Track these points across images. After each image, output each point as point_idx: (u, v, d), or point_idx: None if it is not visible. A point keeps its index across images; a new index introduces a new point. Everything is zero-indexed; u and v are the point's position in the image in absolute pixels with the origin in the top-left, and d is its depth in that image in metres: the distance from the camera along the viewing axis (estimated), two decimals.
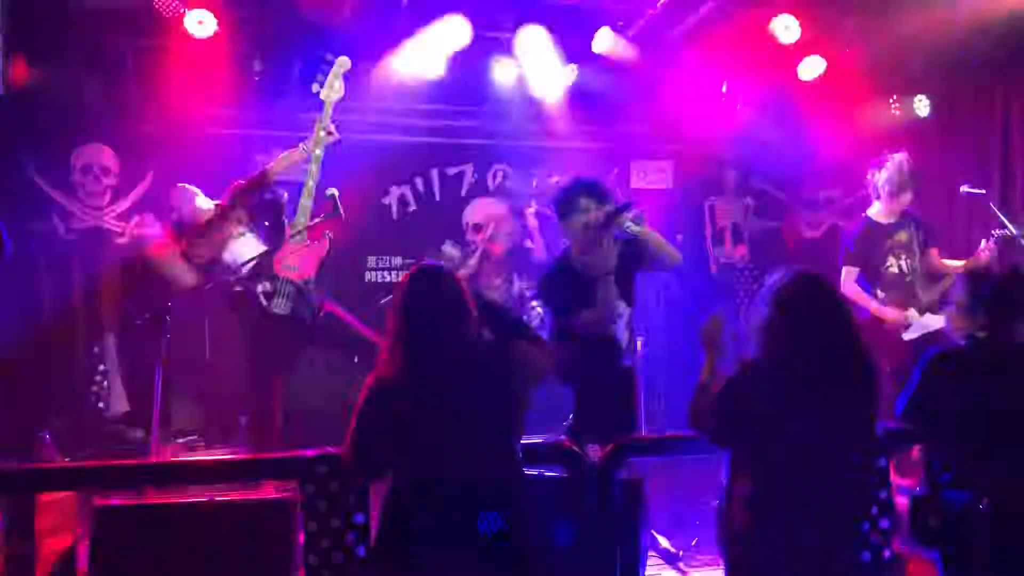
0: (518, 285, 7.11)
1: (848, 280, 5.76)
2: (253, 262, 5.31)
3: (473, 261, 6.82)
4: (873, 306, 5.69)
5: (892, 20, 6.92)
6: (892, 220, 5.79)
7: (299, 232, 5.36)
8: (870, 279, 5.78)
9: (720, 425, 2.94)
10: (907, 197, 5.77)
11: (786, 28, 6.28)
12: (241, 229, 5.48)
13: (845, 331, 2.94)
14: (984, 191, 6.12)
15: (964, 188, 6.14)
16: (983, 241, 5.67)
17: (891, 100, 7.58)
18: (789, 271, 3.02)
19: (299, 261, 5.38)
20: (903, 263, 5.76)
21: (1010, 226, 5.71)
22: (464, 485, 2.70)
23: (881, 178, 5.75)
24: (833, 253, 6.59)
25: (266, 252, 5.32)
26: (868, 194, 5.98)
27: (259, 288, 5.28)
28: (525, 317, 6.69)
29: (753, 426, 2.86)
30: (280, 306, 5.38)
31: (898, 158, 5.73)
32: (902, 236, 5.78)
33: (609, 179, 7.89)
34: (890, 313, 5.63)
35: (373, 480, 3.06)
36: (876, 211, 5.86)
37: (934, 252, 5.84)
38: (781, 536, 2.82)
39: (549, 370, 2.97)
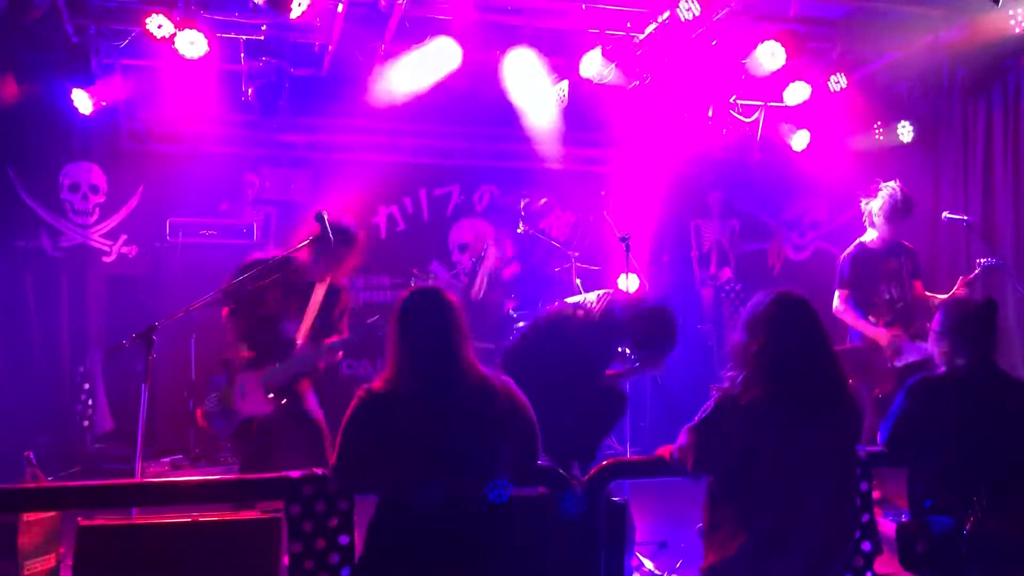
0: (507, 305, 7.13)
1: (842, 303, 5.84)
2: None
3: (477, 281, 6.73)
4: (869, 329, 5.76)
5: (877, 46, 7.05)
6: (883, 248, 5.85)
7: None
8: (861, 304, 5.84)
9: (697, 456, 2.96)
10: (899, 225, 5.83)
11: (772, 55, 6.34)
12: None
13: (822, 353, 2.98)
14: (966, 217, 6.18)
15: (946, 214, 6.22)
16: (964, 276, 5.77)
17: (875, 125, 7.67)
18: (769, 293, 3.05)
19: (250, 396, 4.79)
20: (893, 290, 5.83)
21: (992, 255, 5.81)
22: (446, 507, 2.72)
23: (875, 206, 5.81)
24: (819, 276, 6.66)
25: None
26: (855, 218, 6.04)
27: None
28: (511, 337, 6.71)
29: (732, 452, 2.88)
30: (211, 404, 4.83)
31: (891, 187, 5.80)
32: (892, 264, 5.86)
33: (597, 200, 7.96)
34: (885, 335, 5.67)
35: (359, 493, 3.07)
36: (869, 238, 5.91)
37: (917, 284, 5.91)
38: (764, 561, 2.83)
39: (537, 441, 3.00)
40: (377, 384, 2.83)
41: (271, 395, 4.72)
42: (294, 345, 4.75)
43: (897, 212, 5.74)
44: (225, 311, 4.81)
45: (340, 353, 4.85)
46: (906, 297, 5.81)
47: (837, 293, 5.88)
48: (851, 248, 5.96)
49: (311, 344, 4.74)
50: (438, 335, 2.84)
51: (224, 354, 4.83)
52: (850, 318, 5.81)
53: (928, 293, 5.90)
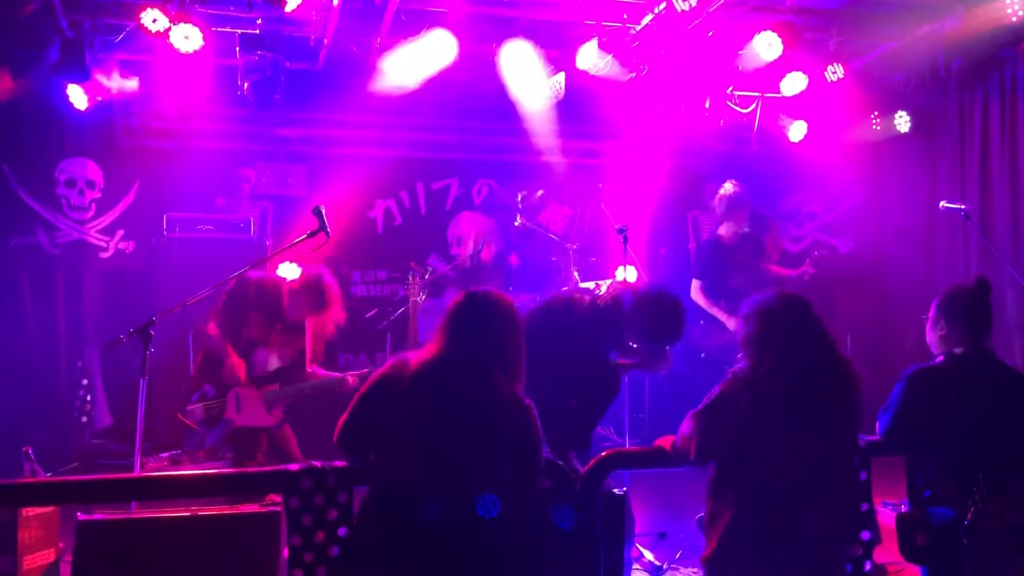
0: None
1: (696, 291, 6.39)
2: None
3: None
4: (720, 314, 6.25)
5: (873, 37, 7.03)
6: (734, 240, 6.41)
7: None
8: (715, 291, 6.33)
9: (701, 443, 2.96)
10: (740, 219, 6.42)
11: (768, 46, 6.33)
12: None
13: (825, 346, 3.00)
14: (964, 207, 6.19)
15: (943, 204, 6.23)
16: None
17: (872, 116, 7.66)
18: (773, 292, 3.12)
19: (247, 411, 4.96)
20: (741, 278, 6.31)
21: (988, 241, 5.85)
22: (438, 499, 2.73)
23: (717, 204, 6.50)
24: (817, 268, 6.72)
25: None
26: (852, 209, 6.20)
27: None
28: None
29: (736, 439, 2.89)
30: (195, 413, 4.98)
31: (726, 186, 6.42)
32: (742, 254, 6.38)
33: (595, 193, 7.96)
34: (733, 322, 5.95)
35: (359, 484, 3.09)
36: (723, 231, 6.48)
37: (763, 266, 6.44)
38: (766, 550, 2.83)
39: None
40: (413, 358, 2.88)
41: (274, 411, 4.94)
42: (272, 377, 4.96)
43: (733, 207, 6.37)
44: (212, 322, 4.93)
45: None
46: (754, 284, 6.09)
47: (693, 282, 6.45)
48: (708, 239, 6.59)
49: (332, 376, 5.04)
50: (464, 336, 2.88)
51: (201, 366, 5.02)
52: (704, 304, 6.35)
53: (776, 269, 6.53)
